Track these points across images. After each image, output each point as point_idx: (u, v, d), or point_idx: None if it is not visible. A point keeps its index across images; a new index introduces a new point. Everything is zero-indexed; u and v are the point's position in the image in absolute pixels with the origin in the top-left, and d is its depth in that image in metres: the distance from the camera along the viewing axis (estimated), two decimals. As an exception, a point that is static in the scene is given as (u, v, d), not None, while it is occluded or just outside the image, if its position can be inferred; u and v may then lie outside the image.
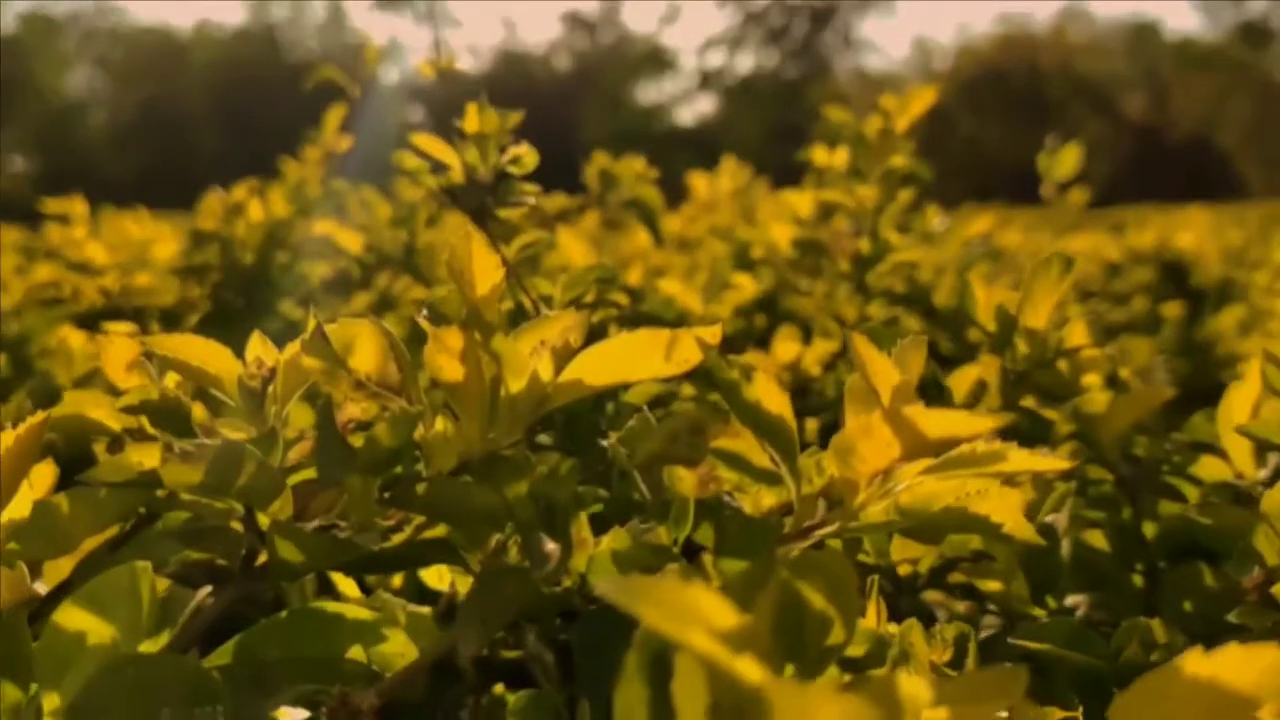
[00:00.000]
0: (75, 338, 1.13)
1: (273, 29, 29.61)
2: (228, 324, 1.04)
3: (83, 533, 0.44)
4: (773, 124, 25.23)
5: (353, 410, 0.45)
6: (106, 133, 25.14)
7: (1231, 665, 0.27)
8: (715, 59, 32.19)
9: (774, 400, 0.36)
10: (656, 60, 31.07)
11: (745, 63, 32.21)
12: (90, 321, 1.29)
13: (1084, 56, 29.26)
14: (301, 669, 0.40)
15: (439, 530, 0.41)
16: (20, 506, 0.43)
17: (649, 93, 30.99)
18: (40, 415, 0.43)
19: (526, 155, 0.76)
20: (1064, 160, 1.80)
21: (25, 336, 1.12)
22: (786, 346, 0.95)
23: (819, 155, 1.34)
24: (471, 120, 0.75)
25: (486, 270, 0.39)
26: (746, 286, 1.37)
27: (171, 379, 0.52)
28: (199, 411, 0.49)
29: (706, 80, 31.24)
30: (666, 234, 2.31)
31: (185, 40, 28.46)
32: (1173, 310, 1.84)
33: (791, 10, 31.20)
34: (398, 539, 0.41)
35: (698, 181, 2.87)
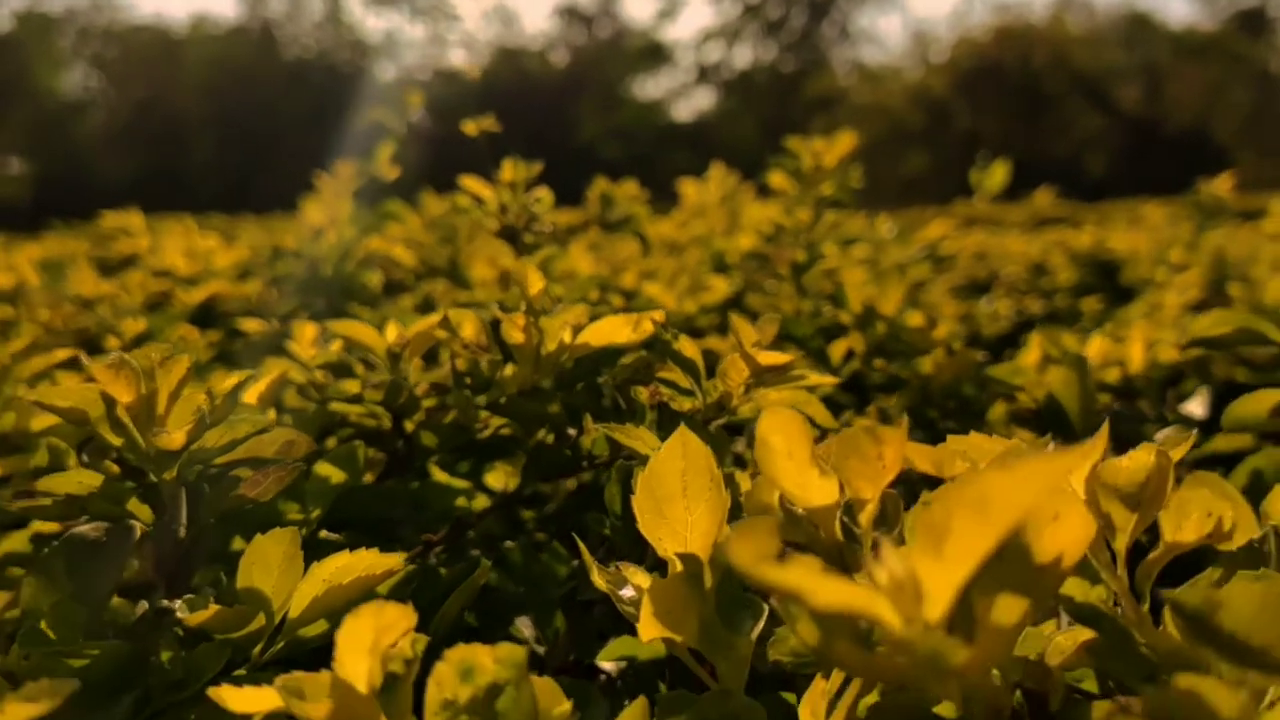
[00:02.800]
0: (192, 333, 1.46)
1: (269, 25, 29.60)
2: (317, 320, 1.36)
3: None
4: (770, 118, 25.37)
5: (457, 364, 0.77)
6: (103, 133, 24.86)
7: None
8: (713, 53, 32.34)
9: (689, 349, 0.68)
10: (654, 55, 31.26)
11: (743, 56, 32.24)
12: (197, 319, 1.61)
13: (1081, 48, 29.45)
14: (433, 510, 0.73)
15: (509, 429, 0.74)
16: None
17: (646, 88, 31.06)
18: (276, 372, 0.76)
19: (545, 196, 1.09)
20: (993, 176, 2.12)
21: (151, 333, 1.44)
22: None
23: (776, 179, 1.66)
24: (507, 171, 1.07)
25: (535, 281, 0.72)
26: (719, 287, 1.69)
27: (336, 347, 0.85)
28: (358, 367, 0.82)
29: (704, 74, 31.48)
30: (660, 238, 2.63)
31: (180, 37, 28.40)
32: (1091, 304, 2.15)
33: (789, 1, 31.31)
34: (485, 434, 0.73)
35: (688, 188, 3.17)
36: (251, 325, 1.18)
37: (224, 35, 29.16)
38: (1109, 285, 2.52)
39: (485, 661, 0.34)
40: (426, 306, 1.62)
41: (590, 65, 29.63)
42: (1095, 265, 2.61)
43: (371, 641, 0.34)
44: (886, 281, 0.94)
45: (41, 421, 0.72)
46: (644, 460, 0.61)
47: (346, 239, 1.44)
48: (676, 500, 0.45)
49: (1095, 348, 0.93)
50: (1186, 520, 0.37)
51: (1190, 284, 1.99)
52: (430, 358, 0.93)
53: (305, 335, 0.83)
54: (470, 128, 1.18)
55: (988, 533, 0.27)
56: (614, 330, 0.70)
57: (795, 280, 1.31)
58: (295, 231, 1.53)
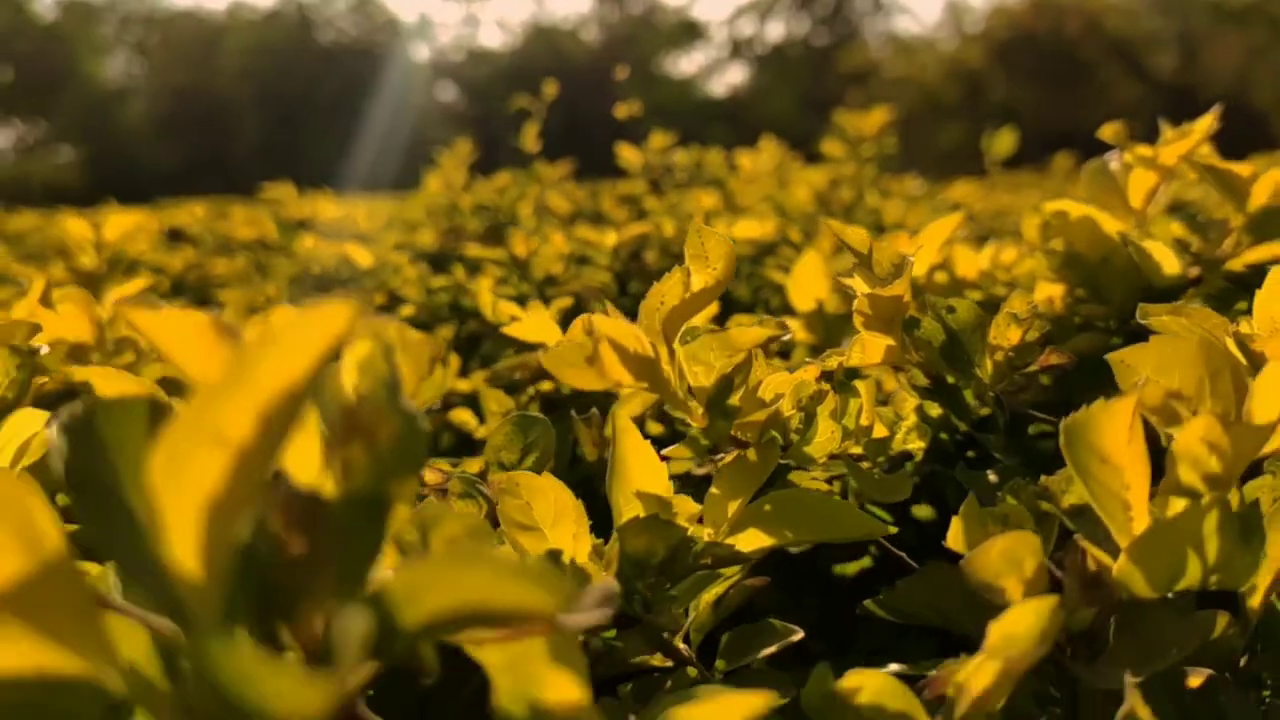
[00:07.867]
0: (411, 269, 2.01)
1: (304, 9, 30.31)
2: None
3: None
4: (804, 92, 25.58)
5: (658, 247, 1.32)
6: (147, 119, 25.59)
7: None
8: (746, 27, 32.53)
9: (796, 235, 1.22)
10: (687, 30, 31.52)
11: (776, 30, 32.32)
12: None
13: (1116, 15, 29.34)
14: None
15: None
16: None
17: (680, 64, 31.28)
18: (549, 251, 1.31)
19: (680, 157, 1.63)
20: (1001, 142, 2.63)
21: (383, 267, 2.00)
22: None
23: (829, 147, 2.19)
24: (655, 140, 1.62)
25: (708, 199, 1.26)
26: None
27: (571, 247, 1.40)
28: (596, 255, 1.37)
29: (738, 49, 31.73)
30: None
31: (219, 23, 29.28)
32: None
33: (822, -26, 31.30)
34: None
35: (743, 159, 3.69)
36: (476, 250, 1.73)
37: (261, 21, 29.95)
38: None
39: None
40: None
41: (623, 42, 29.96)
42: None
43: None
44: (911, 206, 1.47)
45: (437, 283, 1.28)
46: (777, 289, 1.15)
47: (514, 194, 2.00)
48: (810, 283, 0.99)
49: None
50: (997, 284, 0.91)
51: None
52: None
53: (555, 239, 1.38)
54: (621, 110, 1.72)
55: (919, 248, 0.82)
56: (752, 228, 1.25)
57: (844, 217, 1.83)
58: (476, 193, 2.10)
